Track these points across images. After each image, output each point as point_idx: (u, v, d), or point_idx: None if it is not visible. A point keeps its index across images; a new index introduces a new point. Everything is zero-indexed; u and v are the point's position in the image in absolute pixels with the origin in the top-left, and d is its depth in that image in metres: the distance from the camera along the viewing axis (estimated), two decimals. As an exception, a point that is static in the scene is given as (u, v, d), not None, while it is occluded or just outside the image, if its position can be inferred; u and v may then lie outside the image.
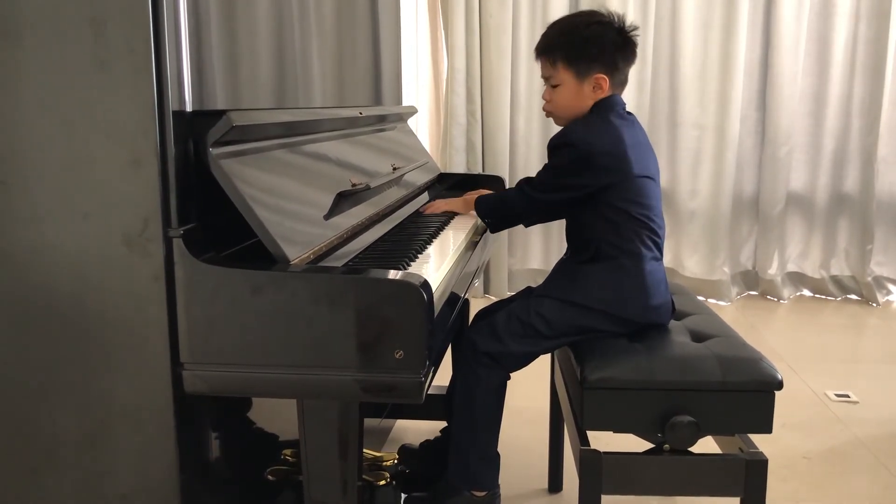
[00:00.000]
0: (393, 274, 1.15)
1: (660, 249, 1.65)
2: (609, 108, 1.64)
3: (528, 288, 1.84)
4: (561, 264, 1.75)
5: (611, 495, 1.47)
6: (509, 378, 1.64)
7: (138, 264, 1.14)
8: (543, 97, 1.71)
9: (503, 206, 1.76)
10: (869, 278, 3.91)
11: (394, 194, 1.82)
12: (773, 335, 3.43)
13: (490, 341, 1.59)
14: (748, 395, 1.47)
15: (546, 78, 1.69)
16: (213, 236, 1.20)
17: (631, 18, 3.78)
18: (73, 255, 1.15)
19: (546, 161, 1.68)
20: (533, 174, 1.67)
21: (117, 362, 1.17)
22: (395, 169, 1.86)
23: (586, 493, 1.46)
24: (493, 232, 1.87)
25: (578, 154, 1.58)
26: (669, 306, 1.68)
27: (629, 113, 1.68)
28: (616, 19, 1.65)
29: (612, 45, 1.62)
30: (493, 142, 3.80)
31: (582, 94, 1.64)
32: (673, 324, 1.68)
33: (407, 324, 1.12)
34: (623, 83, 1.68)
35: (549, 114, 1.72)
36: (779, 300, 3.97)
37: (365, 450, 1.73)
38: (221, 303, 1.13)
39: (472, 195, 1.89)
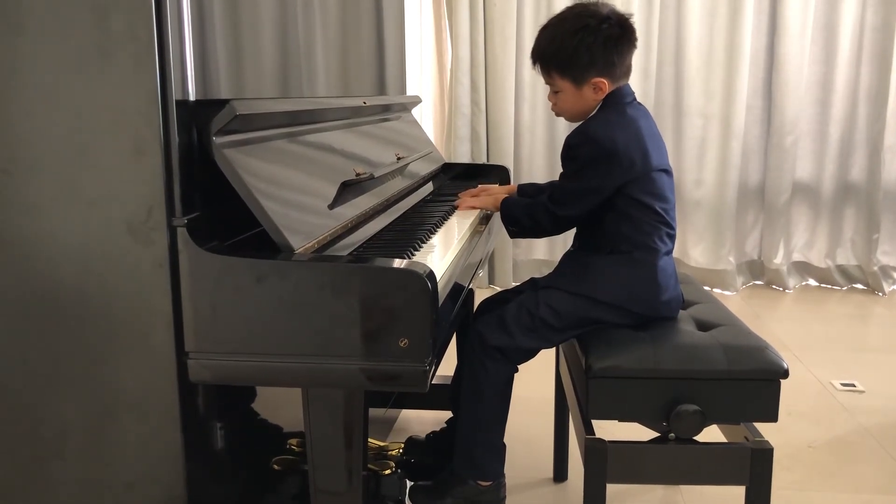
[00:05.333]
0: (398, 263, 1.15)
1: (672, 243, 1.64)
2: (620, 100, 1.62)
3: (533, 279, 1.83)
4: (570, 256, 1.72)
5: (616, 484, 1.47)
6: (517, 370, 1.64)
7: (142, 253, 1.14)
8: (549, 99, 1.70)
9: (529, 221, 1.70)
10: (875, 267, 3.90)
11: (398, 184, 1.81)
12: (778, 324, 3.42)
13: (499, 335, 1.59)
14: (754, 383, 1.47)
15: (547, 83, 1.67)
16: (216, 225, 1.20)
17: (636, 7, 3.74)
18: (77, 244, 1.16)
19: (556, 157, 1.65)
20: (537, 163, 1.64)
21: (122, 352, 1.18)
22: (399, 159, 1.86)
23: (591, 482, 1.46)
24: (512, 237, 1.83)
25: (602, 151, 1.55)
26: (679, 300, 1.67)
27: (639, 103, 1.66)
28: (605, 14, 1.59)
29: (602, 47, 1.58)
30: (498, 131, 3.79)
31: (584, 97, 1.62)
32: (679, 313, 1.68)
33: (412, 313, 1.12)
34: (626, 73, 1.65)
35: (558, 114, 1.71)
36: (784, 290, 3.96)
37: (370, 440, 1.73)
38: (226, 292, 1.13)
39: (502, 194, 1.83)
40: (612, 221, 1.60)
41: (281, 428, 1.53)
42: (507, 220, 1.75)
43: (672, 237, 1.64)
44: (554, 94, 1.67)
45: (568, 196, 1.61)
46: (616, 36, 1.59)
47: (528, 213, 1.70)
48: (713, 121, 3.82)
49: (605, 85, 1.60)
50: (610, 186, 1.57)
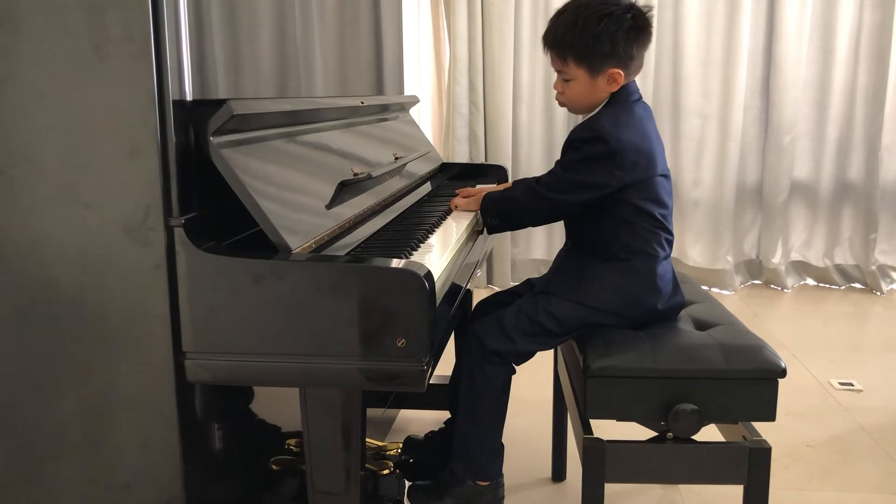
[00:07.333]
0: (395, 263, 1.15)
1: (671, 249, 1.63)
2: (628, 97, 1.58)
3: (530, 281, 1.83)
4: (567, 259, 1.70)
5: (614, 483, 1.47)
6: (514, 372, 1.63)
7: (139, 254, 1.14)
8: (555, 87, 1.64)
9: (512, 208, 1.66)
10: (873, 267, 3.90)
11: (396, 184, 1.81)
12: (776, 324, 3.42)
13: (499, 339, 1.58)
14: (751, 382, 1.47)
15: (557, 71, 1.62)
16: (214, 225, 1.20)
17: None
18: (74, 246, 1.15)
19: (558, 153, 1.61)
20: (535, 163, 1.60)
21: (119, 352, 1.17)
22: (396, 158, 1.86)
23: (589, 481, 1.46)
24: (490, 233, 1.77)
25: (609, 149, 1.51)
26: (679, 303, 1.66)
27: (644, 102, 1.63)
28: (628, 4, 1.56)
29: (625, 37, 1.54)
30: (496, 131, 3.79)
31: (596, 88, 1.57)
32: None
33: (409, 312, 1.12)
34: (638, 69, 1.60)
35: (562, 104, 1.65)
36: (782, 289, 3.96)
37: (368, 440, 1.73)
38: (223, 292, 1.13)
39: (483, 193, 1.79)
40: (611, 227, 1.58)
41: (279, 428, 1.53)
42: (489, 212, 1.69)
43: (670, 243, 1.62)
44: (563, 82, 1.61)
45: (562, 183, 1.57)
46: (638, 27, 1.56)
47: (509, 197, 1.66)
48: (711, 120, 3.82)
49: (621, 77, 1.56)
50: (608, 186, 1.54)
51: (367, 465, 1.61)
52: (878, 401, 2.58)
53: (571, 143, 1.58)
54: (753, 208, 3.99)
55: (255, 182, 1.19)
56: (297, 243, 1.19)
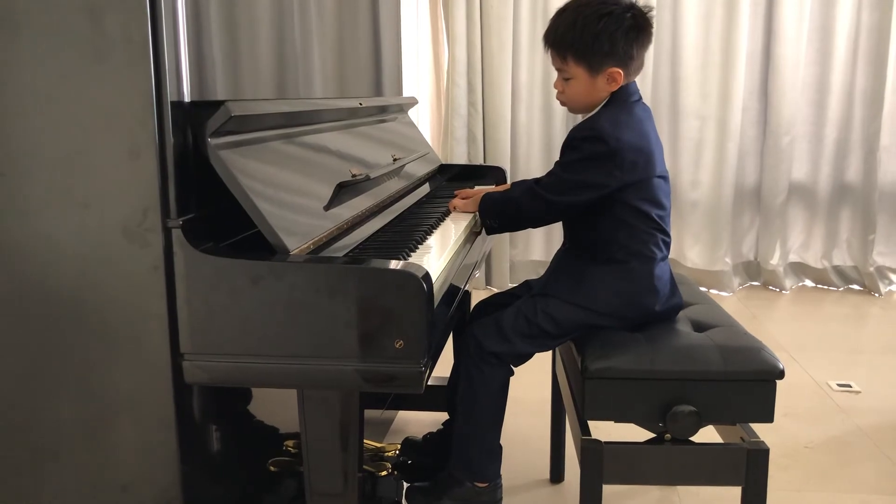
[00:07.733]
0: (394, 264, 1.15)
1: (668, 250, 1.63)
2: (628, 98, 1.58)
3: (528, 283, 1.82)
4: (565, 261, 1.70)
5: (612, 485, 1.47)
6: (513, 374, 1.63)
7: (137, 255, 1.14)
8: (555, 87, 1.65)
9: (511, 209, 1.65)
10: (871, 268, 3.90)
11: (394, 185, 1.81)
12: (774, 325, 3.43)
13: (497, 341, 1.58)
14: (749, 384, 1.47)
15: (557, 69, 1.62)
16: (212, 227, 1.20)
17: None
18: (72, 246, 1.15)
19: (557, 154, 1.61)
20: (534, 164, 1.59)
21: (117, 353, 1.17)
22: (395, 160, 1.86)
23: (588, 482, 1.46)
24: (489, 234, 1.77)
25: (608, 149, 1.51)
26: (677, 304, 1.66)
27: (644, 103, 1.63)
28: (628, 3, 1.56)
29: (625, 36, 1.54)
30: (495, 133, 3.79)
31: (596, 87, 1.58)
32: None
33: (407, 314, 1.12)
34: (639, 69, 1.61)
35: (563, 103, 1.66)
36: (781, 290, 3.96)
37: (366, 441, 1.73)
38: (221, 293, 1.13)
39: (481, 194, 1.79)
40: (608, 228, 1.58)
41: (277, 429, 1.53)
42: (487, 213, 1.69)
43: (668, 244, 1.62)
44: (563, 81, 1.61)
45: (561, 184, 1.57)
46: (638, 27, 1.56)
47: (507, 198, 1.66)
48: (709, 122, 3.82)
49: (621, 76, 1.56)
50: (607, 186, 1.54)
51: (365, 467, 1.60)
52: (876, 402, 2.58)
53: (570, 143, 1.58)
54: (752, 210, 4.00)
55: (253, 183, 1.19)
56: (295, 244, 1.19)
